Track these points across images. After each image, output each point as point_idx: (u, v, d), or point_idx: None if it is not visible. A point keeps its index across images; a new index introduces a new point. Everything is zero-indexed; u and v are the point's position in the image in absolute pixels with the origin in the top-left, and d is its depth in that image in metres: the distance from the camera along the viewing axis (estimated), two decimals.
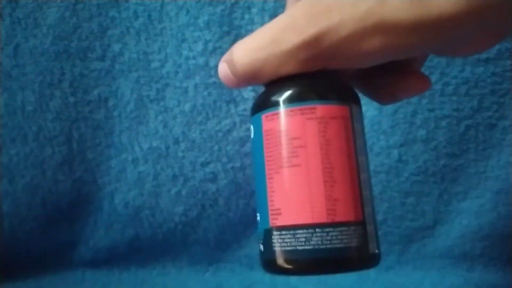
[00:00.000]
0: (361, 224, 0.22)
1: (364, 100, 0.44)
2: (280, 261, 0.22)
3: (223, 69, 0.24)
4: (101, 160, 0.45)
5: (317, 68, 0.22)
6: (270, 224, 0.23)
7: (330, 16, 0.20)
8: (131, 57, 0.44)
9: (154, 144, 0.45)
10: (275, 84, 0.24)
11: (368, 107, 0.44)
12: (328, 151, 0.22)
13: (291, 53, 0.21)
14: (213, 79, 0.44)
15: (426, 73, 0.42)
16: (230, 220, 0.45)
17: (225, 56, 0.24)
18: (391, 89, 0.26)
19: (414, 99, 0.43)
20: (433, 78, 0.43)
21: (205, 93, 0.44)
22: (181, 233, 0.46)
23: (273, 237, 0.23)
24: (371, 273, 0.44)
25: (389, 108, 0.43)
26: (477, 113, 0.43)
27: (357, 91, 0.26)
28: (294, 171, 0.22)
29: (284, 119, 0.23)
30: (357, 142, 0.23)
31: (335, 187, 0.22)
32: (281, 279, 0.44)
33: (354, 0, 0.20)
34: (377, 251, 0.23)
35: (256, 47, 0.22)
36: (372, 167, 0.44)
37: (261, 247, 0.24)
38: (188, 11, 0.43)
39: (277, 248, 0.22)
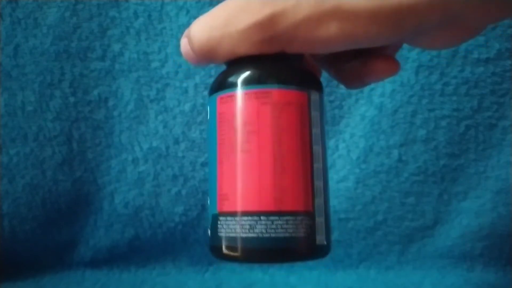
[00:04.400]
0: (310, 214, 0.22)
1: (364, 100, 0.44)
2: (225, 248, 0.22)
3: (183, 44, 0.24)
4: (101, 160, 0.45)
5: (274, 51, 0.21)
6: (217, 209, 0.22)
7: None
8: (131, 57, 0.44)
9: (154, 144, 0.45)
10: (234, 64, 0.23)
11: (368, 107, 0.44)
12: (281, 138, 0.22)
13: (245, 34, 0.21)
14: (213, 79, 0.44)
15: (426, 72, 0.42)
16: None
17: (186, 31, 0.24)
18: (358, 73, 0.25)
19: (414, 99, 0.43)
20: (433, 78, 0.43)
21: (205, 93, 0.44)
22: (181, 233, 0.46)
23: (219, 222, 0.22)
24: (371, 273, 0.44)
25: (389, 108, 0.43)
26: (477, 113, 0.43)
27: (325, 73, 0.25)
28: (245, 157, 0.22)
29: (239, 102, 0.22)
30: (313, 131, 0.23)
31: (285, 176, 0.21)
32: (281, 279, 0.44)
33: None
34: (325, 242, 0.22)
35: (212, 25, 0.22)
36: (372, 167, 0.44)
37: (209, 232, 0.23)
38: (188, 11, 0.43)
39: (222, 234, 0.22)
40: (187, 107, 0.44)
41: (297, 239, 0.21)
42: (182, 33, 0.24)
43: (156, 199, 0.45)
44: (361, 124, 0.44)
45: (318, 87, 0.24)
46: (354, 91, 0.44)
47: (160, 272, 0.46)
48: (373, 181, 0.44)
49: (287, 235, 0.21)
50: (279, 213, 0.21)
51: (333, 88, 0.44)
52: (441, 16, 0.20)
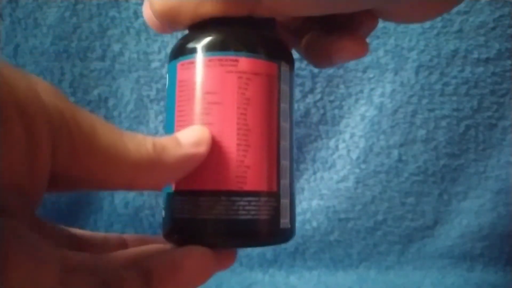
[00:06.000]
0: (274, 195, 0.20)
1: (364, 100, 0.44)
2: (179, 230, 0.20)
3: (145, 8, 0.22)
4: None
5: (241, 13, 0.20)
6: (173, 188, 0.20)
7: None
8: (131, 57, 0.44)
9: None
10: (197, 28, 0.21)
11: (368, 107, 0.44)
12: (246, 111, 0.19)
13: None
14: None
15: (426, 72, 0.42)
16: None
17: None
18: (326, 50, 0.24)
19: (414, 99, 0.43)
20: (433, 78, 0.43)
21: None
22: None
23: (174, 202, 0.20)
24: (371, 273, 0.44)
25: (389, 108, 0.43)
26: (477, 113, 0.43)
27: (294, 50, 0.24)
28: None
29: (201, 69, 0.20)
30: (281, 106, 0.21)
31: (249, 152, 0.19)
32: (281, 279, 0.44)
33: None
34: (289, 226, 0.21)
35: None
36: (372, 167, 0.44)
37: (163, 213, 0.21)
38: None
39: (177, 215, 0.20)
40: None
41: (260, 221, 0.20)
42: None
43: (156, 199, 0.45)
44: (361, 124, 0.44)
45: (289, 59, 0.22)
46: (354, 91, 0.44)
47: None
48: (373, 181, 0.44)
49: (248, 217, 0.19)
50: (241, 193, 0.19)
51: (333, 88, 0.44)
52: None
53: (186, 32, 0.22)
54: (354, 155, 0.44)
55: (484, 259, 0.44)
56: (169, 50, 0.44)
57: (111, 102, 0.45)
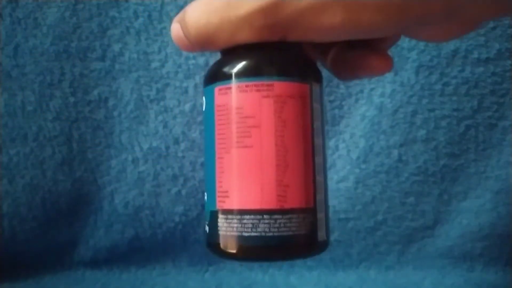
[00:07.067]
0: (312, 211, 0.21)
1: (364, 100, 0.44)
2: (225, 245, 0.21)
3: (175, 30, 0.22)
4: (101, 160, 0.45)
5: (275, 39, 0.21)
6: (217, 207, 0.22)
7: None
8: (131, 57, 0.44)
9: (154, 144, 0.45)
10: (232, 53, 0.22)
11: (368, 107, 0.44)
12: (284, 133, 0.21)
13: (247, 19, 0.20)
14: None
15: (426, 72, 0.42)
16: None
17: (179, 16, 0.22)
18: (351, 66, 0.25)
19: (414, 99, 0.43)
20: (433, 78, 0.43)
21: None
22: (181, 233, 0.46)
23: (218, 220, 0.22)
24: (371, 273, 0.45)
25: (389, 108, 0.43)
26: (477, 113, 0.43)
27: (317, 62, 0.25)
28: (246, 152, 0.21)
29: (238, 94, 0.21)
30: (314, 124, 0.22)
31: (288, 172, 0.21)
32: (281, 279, 0.44)
33: None
34: (325, 238, 0.22)
35: (211, 9, 0.21)
36: (372, 167, 0.44)
37: (207, 228, 0.23)
38: None
39: (222, 232, 0.21)
40: (187, 107, 0.44)
41: (300, 236, 0.21)
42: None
43: (156, 199, 0.45)
44: (361, 124, 0.44)
45: (319, 78, 0.23)
46: (354, 91, 0.44)
47: (160, 272, 0.46)
48: (373, 181, 0.44)
49: (290, 233, 0.21)
50: (282, 211, 0.21)
51: (333, 88, 0.44)
52: (444, 7, 0.20)
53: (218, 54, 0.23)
54: (354, 155, 0.44)
55: (484, 259, 0.44)
56: (169, 50, 0.44)
57: (111, 102, 0.45)
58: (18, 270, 0.46)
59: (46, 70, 0.44)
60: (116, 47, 0.44)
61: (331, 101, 0.44)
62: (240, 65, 0.21)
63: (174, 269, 0.46)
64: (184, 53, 0.43)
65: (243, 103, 0.21)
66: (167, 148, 0.45)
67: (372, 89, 0.44)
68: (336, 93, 0.44)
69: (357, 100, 0.44)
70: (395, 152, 0.43)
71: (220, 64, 0.22)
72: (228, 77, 0.21)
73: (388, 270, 0.44)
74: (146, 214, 0.45)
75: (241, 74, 0.21)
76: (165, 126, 0.45)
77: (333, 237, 0.44)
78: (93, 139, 0.45)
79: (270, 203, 0.21)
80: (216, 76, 0.22)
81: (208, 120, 0.23)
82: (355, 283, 0.43)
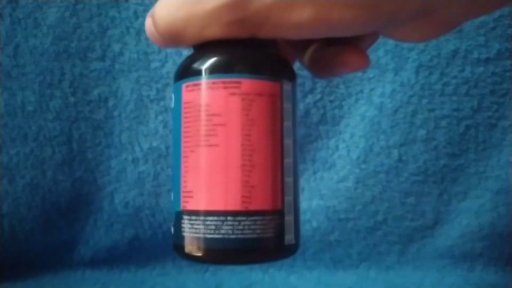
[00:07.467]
0: (279, 213, 0.21)
1: (364, 100, 0.44)
2: (189, 248, 0.21)
3: (148, 24, 0.22)
4: (101, 160, 0.45)
5: (244, 35, 0.20)
6: (181, 207, 0.21)
7: None
8: (131, 57, 0.44)
9: (154, 144, 0.45)
10: (202, 49, 0.21)
11: (368, 106, 0.44)
12: (251, 132, 0.20)
13: (214, 14, 0.19)
14: None
15: (426, 72, 0.42)
16: None
17: (151, 11, 0.22)
18: (328, 63, 0.24)
19: (414, 99, 0.43)
20: (433, 78, 0.43)
21: None
22: None
23: (182, 221, 0.21)
24: (371, 273, 0.44)
25: (389, 108, 0.43)
26: (477, 113, 0.43)
27: (294, 60, 0.24)
28: (211, 151, 0.20)
29: (205, 91, 0.20)
30: (284, 124, 0.21)
31: (254, 173, 0.20)
32: (281, 279, 0.44)
33: None
34: (294, 242, 0.21)
35: (179, 3, 0.20)
36: (372, 167, 0.44)
37: (172, 229, 0.22)
38: None
39: (186, 233, 0.21)
40: None
41: (265, 239, 0.20)
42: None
43: (156, 199, 0.45)
44: (361, 124, 0.44)
45: (291, 76, 0.22)
46: (354, 91, 0.44)
47: (160, 272, 0.46)
48: (373, 181, 0.44)
49: (254, 235, 0.20)
50: (247, 213, 0.20)
51: (333, 88, 0.44)
52: (417, 6, 0.19)
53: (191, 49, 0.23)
54: (354, 155, 0.44)
55: (484, 259, 0.44)
56: (169, 50, 0.44)
57: (111, 102, 0.45)
58: (18, 270, 0.46)
59: (46, 70, 0.44)
60: (116, 47, 0.44)
61: (331, 101, 0.44)
62: (208, 61, 0.21)
63: (174, 269, 0.46)
64: (184, 52, 0.43)
65: (209, 101, 0.20)
66: (167, 148, 0.45)
67: (372, 89, 0.44)
68: (336, 93, 0.44)
69: (357, 100, 0.44)
70: (395, 152, 0.43)
71: (188, 60, 0.22)
72: (195, 73, 0.21)
73: (388, 270, 0.44)
74: (146, 214, 0.45)
75: (208, 71, 0.21)
76: (165, 126, 0.45)
77: (333, 237, 0.44)
78: (93, 139, 0.45)
79: (234, 204, 0.20)
80: (184, 72, 0.22)
81: (175, 117, 0.22)
82: (355, 283, 0.43)
